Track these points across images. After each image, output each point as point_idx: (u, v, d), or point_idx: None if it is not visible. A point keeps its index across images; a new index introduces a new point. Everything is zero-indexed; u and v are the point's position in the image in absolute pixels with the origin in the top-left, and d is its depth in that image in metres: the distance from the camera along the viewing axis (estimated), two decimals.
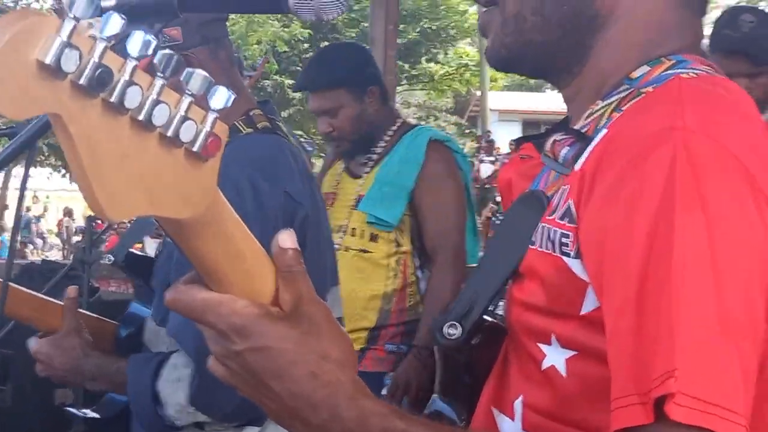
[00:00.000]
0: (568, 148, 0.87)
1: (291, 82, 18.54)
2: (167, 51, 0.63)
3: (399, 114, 2.94)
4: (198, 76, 0.64)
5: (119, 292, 4.26)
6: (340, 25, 18.33)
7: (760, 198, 0.73)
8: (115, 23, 0.58)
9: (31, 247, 22.35)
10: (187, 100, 0.64)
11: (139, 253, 2.13)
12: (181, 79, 0.64)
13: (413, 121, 3.22)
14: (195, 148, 0.65)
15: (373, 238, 2.74)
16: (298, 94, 18.44)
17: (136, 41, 0.60)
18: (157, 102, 0.61)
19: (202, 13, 1.55)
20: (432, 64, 21.11)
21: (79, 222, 21.27)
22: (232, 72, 1.72)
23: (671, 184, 0.71)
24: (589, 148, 0.83)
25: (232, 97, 0.66)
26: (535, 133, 0.98)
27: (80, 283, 2.41)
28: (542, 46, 0.92)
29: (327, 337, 0.76)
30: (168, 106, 0.62)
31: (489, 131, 23.36)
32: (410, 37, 19.37)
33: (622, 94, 0.87)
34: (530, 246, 0.86)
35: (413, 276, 2.76)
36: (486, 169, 18.31)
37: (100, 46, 0.58)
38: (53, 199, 29.36)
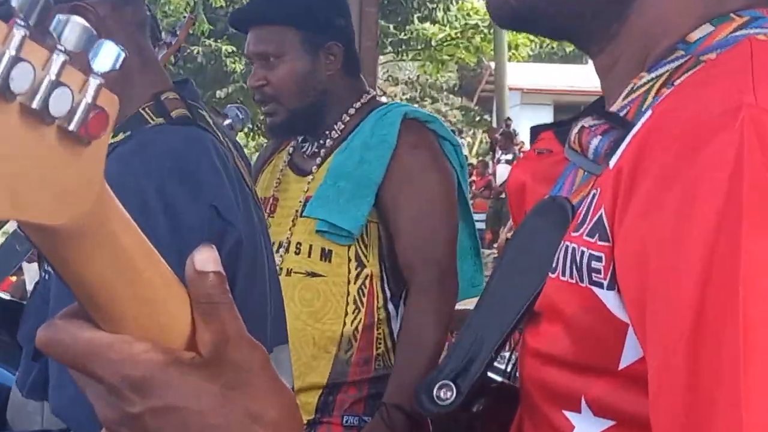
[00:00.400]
0: (601, 137, 0.87)
1: (230, 48, 18.58)
2: None
3: (366, 88, 2.92)
4: (75, 26, 0.63)
5: None
6: None
7: None
8: None
9: None
10: (59, 60, 0.62)
11: (1, 295, 2.13)
12: (51, 29, 0.63)
13: (388, 100, 3.21)
14: (72, 126, 0.64)
15: (326, 255, 2.70)
16: (238, 66, 18.50)
17: None
18: (16, 60, 0.60)
19: None
20: (427, 25, 21.16)
21: None
22: (140, 38, 1.72)
23: (737, 185, 0.70)
24: (628, 138, 0.82)
25: (123, 55, 0.66)
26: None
27: None
28: None
29: (261, 392, 0.75)
30: (32, 67, 0.61)
31: (508, 118, 23.44)
32: None
33: (676, 64, 0.87)
34: (550, 275, 0.87)
35: (383, 311, 2.72)
36: (504, 172, 18.36)
37: None
38: None
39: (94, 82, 0.65)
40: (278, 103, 2.73)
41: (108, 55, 0.65)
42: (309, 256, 2.71)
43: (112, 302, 0.72)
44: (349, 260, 2.69)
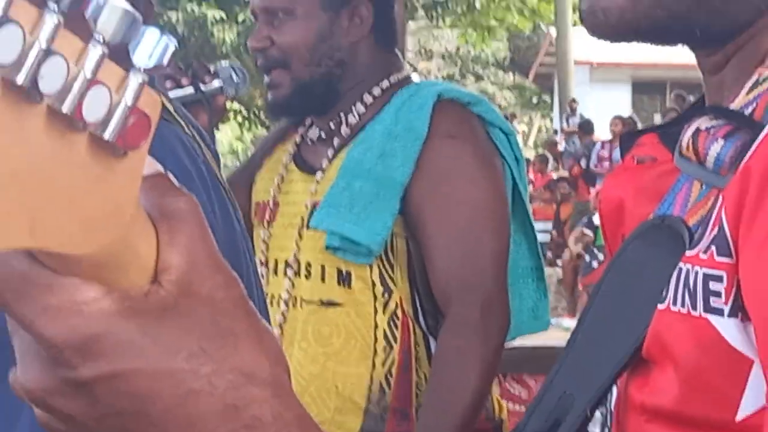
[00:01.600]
0: (724, 142, 0.89)
1: (218, 14, 18.69)
2: None
3: (401, 65, 2.90)
4: (115, 11, 0.64)
5: None
6: None
7: None
8: None
9: None
10: (96, 52, 0.64)
11: None
12: (88, 15, 0.64)
13: (421, 78, 3.18)
14: (107, 135, 0.65)
15: (344, 278, 2.67)
16: (228, 37, 18.60)
17: None
18: (47, 53, 0.61)
19: None
20: None
21: None
22: None
23: None
24: (760, 138, 0.84)
25: (171, 47, 0.68)
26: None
27: None
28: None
29: (248, 342, 0.75)
30: (64, 61, 0.62)
31: (573, 100, 23.48)
32: None
33: None
34: (658, 306, 0.88)
35: (422, 347, 2.68)
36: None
37: None
38: None
39: (135, 80, 0.65)
40: (284, 69, 2.71)
41: (152, 47, 0.68)
42: (323, 280, 2.67)
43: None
44: (373, 284, 2.65)
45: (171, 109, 1.77)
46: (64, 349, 0.69)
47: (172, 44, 0.66)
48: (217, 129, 2.92)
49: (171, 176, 0.76)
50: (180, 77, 2.52)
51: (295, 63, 2.69)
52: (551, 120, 28.52)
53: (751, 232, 0.79)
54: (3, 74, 0.60)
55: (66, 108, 0.62)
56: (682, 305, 0.85)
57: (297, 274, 2.72)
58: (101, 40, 0.63)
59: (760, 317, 0.78)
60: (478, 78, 27.68)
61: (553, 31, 25.06)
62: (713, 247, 0.83)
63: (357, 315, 2.66)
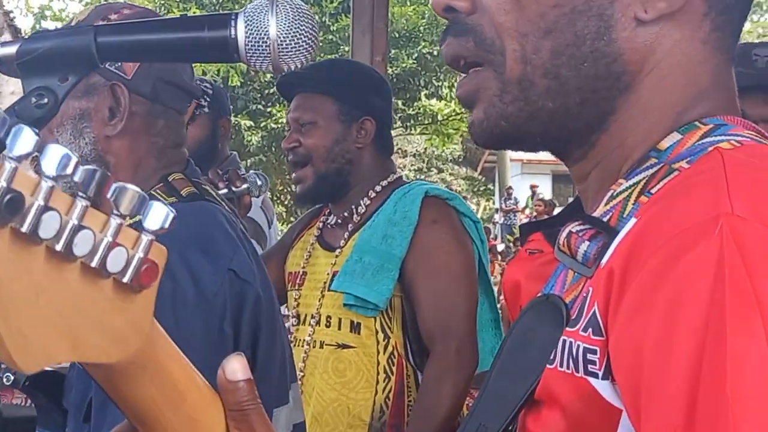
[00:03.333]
0: (589, 243, 0.88)
1: (248, 123, 18.72)
2: (89, 167, 0.66)
3: (395, 169, 2.94)
4: (129, 193, 0.68)
5: (27, 406, 4.22)
6: None
7: None
8: (27, 140, 0.62)
9: None
10: (115, 223, 0.68)
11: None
12: (109, 196, 0.67)
13: (406, 177, 3.21)
14: (126, 279, 0.69)
15: (355, 327, 2.69)
16: (254, 139, 18.60)
17: (52, 157, 0.63)
18: (78, 228, 0.65)
19: (132, 62, 1.60)
20: (434, 101, 21.30)
21: None
22: (164, 145, 1.76)
23: (720, 287, 0.72)
24: (616, 242, 0.84)
25: (171, 216, 0.71)
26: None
27: None
28: (556, 114, 0.94)
29: None
30: (92, 232, 0.66)
31: (510, 187, 23.55)
32: (405, 65, 19.57)
33: (650, 171, 0.89)
34: (548, 366, 0.87)
35: (412, 378, 2.69)
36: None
37: (9, 166, 0.61)
38: None
39: (145, 239, 0.70)
40: (309, 164, 2.75)
41: (158, 216, 0.70)
42: (339, 328, 2.70)
43: (158, 422, 0.76)
44: (377, 332, 2.67)
45: (215, 195, 1.78)
46: None
47: (173, 213, 0.71)
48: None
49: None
50: (218, 181, 2.56)
51: (316, 159, 2.73)
52: (493, 202, 28.62)
53: (616, 319, 0.79)
54: (47, 243, 0.63)
55: (94, 263, 0.66)
56: (568, 368, 0.84)
57: (318, 323, 2.72)
58: (119, 214, 0.67)
59: (624, 382, 0.78)
60: (440, 171, 27.71)
61: None
62: (590, 329, 0.82)
63: (364, 355, 2.67)
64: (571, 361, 0.84)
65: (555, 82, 0.92)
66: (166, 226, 0.70)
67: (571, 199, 1.10)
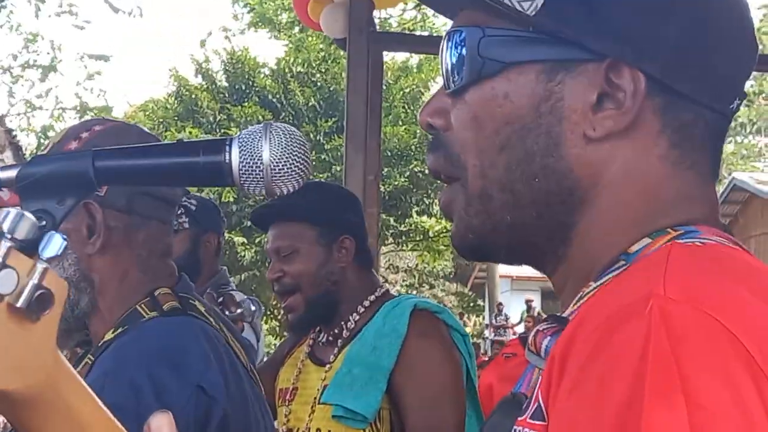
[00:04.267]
0: (550, 337, 0.90)
1: (242, 239, 18.77)
2: None
3: (379, 282, 2.94)
4: (24, 220, 0.69)
5: None
6: None
7: (760, 379, 0.72)
8: None
9: None
10: (5, 245, 0.68)
11: None
12: (1, 221, 0.69)
13: (398, 291, 3.21)
14: (19, 304, 0.69)
15: None
16: (248, 254, 18.63)
17: None
18: None
19: (130, 185, 1.61)
20: (425, 218, 21.43)
21: None
22: (148, 258, 1.76)
23: (643, 365, 0.72)
24: (561, 333, 0.86)
25: (65, 243, 0.71)
26: (558, 305, 1.02)
27: None
28: (515, 227, 0.96)
29: None
30: None
31: (500, 303, 23.50)
32: (396, 183, 19.74)
33: (617, 272, 0.90)
34: None
35: None
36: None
37: None
38: None
39: (40, 266, 0.70)
40: (297, 292, 2.74)
41: (54, 245, 0.71)
42: None
43: None
44: None
45: (203, 311, 1.77)
46: None
47: (66, 242, 0.73)
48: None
49: None
50: (213, 305, 2.57)
51: (305, 286, 2.73)
52: (484, 317, 28.50)
53: (555, 403, 0.80)
54: None
55: None
56: None
57: None
58: (10, 237, 0.68)
59: None
60: (431, 287, 27.67)
61: None
62: (534, 415, 0.84)
63: None
64: None
65: (510, 196, 0.95)
66: (60, 253, 0.71)
67: None
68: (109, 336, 1.67)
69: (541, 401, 0.83)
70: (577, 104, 0.93)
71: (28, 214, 0.70)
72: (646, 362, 0.72)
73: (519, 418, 0.87)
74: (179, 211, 3.68)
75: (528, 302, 23.03)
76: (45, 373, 0.71)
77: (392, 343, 2.65)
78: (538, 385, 0.85)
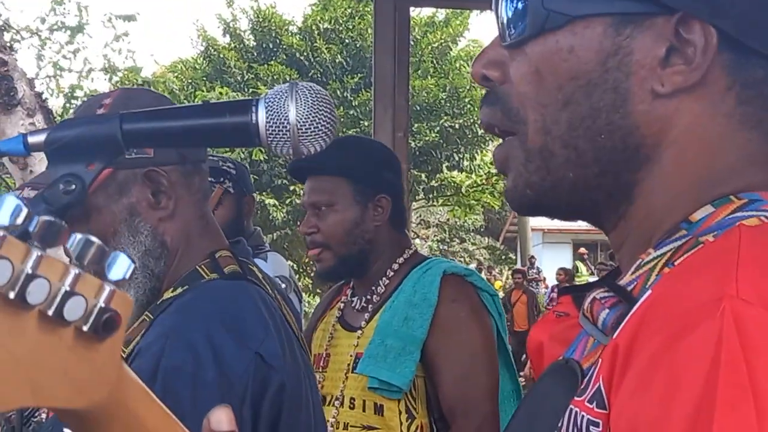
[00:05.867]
0: (609, 310, 0.87)
1: (273, 201, 18.85)
2: (45, 217, 0.68)
3: (410, 243, 2.91)
4: (89, 245, 0.70)
5: None
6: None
7: None
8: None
9: None
10: (72, 273, 0.69)
11: None
12: (68, 246, 0.69)
13: (426, 251, 3.19)
14: (86, 328, 0.70)
15: (378, 409, 2.63)
16: (279, 215, 18.71)
17: (4, 208, 0.66)
18: (32, 276, 0.66)
19: (157, 147, 1.61)
20: (455, 173, 21.42)
21: None
22: (203, 205, 1.76)
23: (714, 372, 0.70)
24: (630, 315, 0.83)
25: (132, 267, 0.72)
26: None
27: None
28: (576, 184, 0.94)
29: None
30: (47, 281, 0.67)
31: (532, 256, 23.48)
32: (427, 138, 19.71)
33: (678, 243, 0.87)
34: None
35: None
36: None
37: None
38: None
39: (108, 288, 0.71)
40: (327, 249, 2.72)
41: (121, 267, 0.72)
42: (363, 410, 2.65)
43: None
44: (400, 413, 2.62)
45: (260, 277, 1.76)
46: None
47: (134, 265, 0.72)
48: None
49: None
50: None
51: (336, 244, 2.71)
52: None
53: (618, 396, 0.78)
54: (1, 292, 0.65)
55: (51, 312, 0.68)
56: None
57: (342, 405, 2.68)
58: (77, 264, 0.69)
59: None
60: (462, 241, 27.72)
61: None
62: (594, 401, 0.82)
63: None
64: (575, 430, 0.84)
65: (573, 153, 0.93)
66: (128, 276, 0.72)
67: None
68: (168, 294, 1.66)
69: (602, 389, 0.81)
70: (645, 59, 0.90)
71: (93, 238, 0.70)
72: (717, 368, 0.70)
73: (576, 398, 0.85)
74: (221, 178, 3.68)
75: (581, 255, 22.84)
76: (109, 390, 0.73)
77: (424, 313, 2.64)
78: (598, 366, 0.83)
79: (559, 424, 0.86)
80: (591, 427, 0.81)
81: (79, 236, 0.70)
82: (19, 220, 0.66)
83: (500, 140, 1.01)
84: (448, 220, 26.22)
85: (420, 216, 25.53)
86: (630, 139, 0.91)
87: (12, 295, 0.65)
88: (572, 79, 0.92)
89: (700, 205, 0.89)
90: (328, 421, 2.69)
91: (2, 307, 0.65)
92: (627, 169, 0.93)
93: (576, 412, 0.84)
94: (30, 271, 0.66)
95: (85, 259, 0.69)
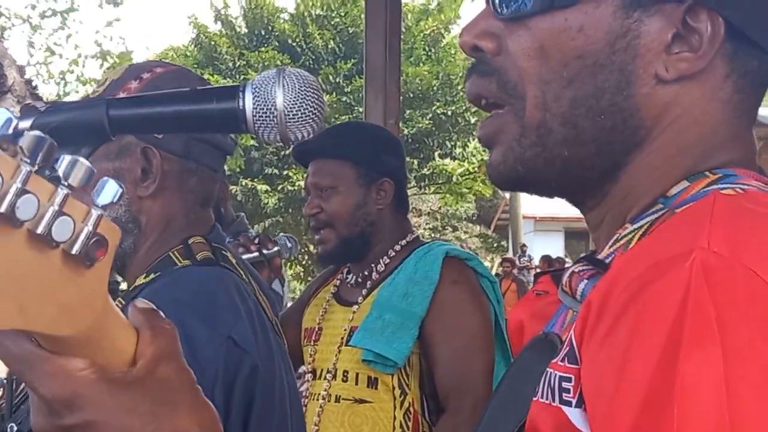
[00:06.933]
0: (587, 281, 0.89)
1: (265, 187, 18.81)
2: (37, 133, 0.68)
3: (412, 228, 2.96)
4: (80, 166, 0.69)
5: None
6: (327, 111, 18.67)
7: None
8: None
9: None
10: (62, 193, 0.68)
11: None
12: (56, 167, 0.68)
13: (421, 235, 3.20)
14: (74, 251, 0.69)
15: (372, 382, 2.68)
16: (271, 201, 18.68)
17: None
18: (22, 191, 0.65)
19: (143, 133, 1.61)
20: (447, 161, 21.38)
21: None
22: (193, 205, 1.77)
23: (681, 315, 0.71)
24: (599, 278, 0.85)
25: (120, 192, 0.72)
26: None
27: None
28: (570, 162, 0.94)
29: (185, 409, 0.79)
30: (36, 198, 0.66)
31: (523, 245, 23.50)
32: (419, 126, 19.68)
33: (655, 216, 0.89)
34: (534, 399, 0.88)
35: None
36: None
37: None
38: None
39: (95, 213, 0.71)
40: (331, 228, 2.76)
41: (109, 191, 0.72)
42: (356, 383, 2.69)
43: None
44: (393, 387, 2.66)
45: (234, 262, 1.78)
46: (54, 402, 0.76)
47: (122, 190, 0.73)
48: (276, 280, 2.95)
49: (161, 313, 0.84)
50: (249, 245, 2.56)
51: (339, 225, 2.75)
52: None
53: (589, 349, 0.79)
54: None
55: (40, 230, 0.67)
56: (545, 398, 0.84)
57: (334, 378, 2.72)
58: (66, 185, 0.68)
59: (589, 410, 0.78)
60: (455, 229, 27.71)
61: (507, 195, 25.21)
62: (566, 358, 0.83)
63: (381, 410, 2.66)
64: (549, 390, 0.84)
65: (572, 131, 0.93)
66: (116, 200, 0.72)
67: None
68: (141, 281, 1.68)
69: (574, 344, 0.82)
70: (652, 43, 0.91)
71: (82, 160, 0.69)
72: (684, 312, 0.71)
73: (552, 361, 0.86)
74: None
75: (522, 248, 22.90)
76: (94, 317, 0.73)
77: (425, 291, 2.68)
78: (573, 329, 0.84)
79: (537, 389, 0.87)
80: (563, 383, 0.82)
81: (68, 156, 0.69)
82: (9, 131, 0.65)
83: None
84: (439, 208, 26.22)
85: (412, 204, 25.51)
86: (630, 120, 0.92)
87: (2, 209, 0.64)
88: (579, 57, 0.92)
89: (677, 181, 0.92)
90: (318, 393, 2.75)
91: None
92: (622, 151, 0.94)
93: (550, 372, 0.85)
94: (20, 185, 0.65)
95: (74, 180, 0.68)
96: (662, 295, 0.73)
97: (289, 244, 2.84)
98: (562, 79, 0.93)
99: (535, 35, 0.94)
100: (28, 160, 0.66)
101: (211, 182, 1.81)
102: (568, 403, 0.81)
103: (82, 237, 0.69)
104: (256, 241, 2.64)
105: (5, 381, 2.23)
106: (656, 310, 0.73)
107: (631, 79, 0.92)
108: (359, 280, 2.82)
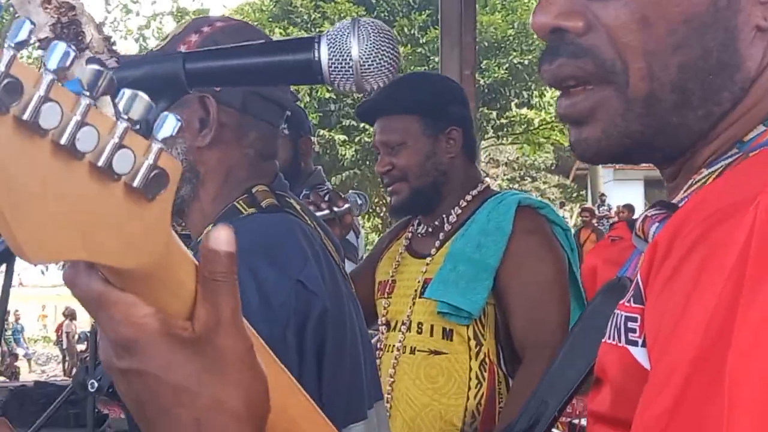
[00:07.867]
0: (659, 224, 0.88)
1: (342, 137, 18.87)
2: (96, 66, 0.68)
3: (482, 177, 2.94)
4: (140, 101, 0.68)
5: None
6: (403, 63, 18.61)
7: None
8: (25, 30, 0.63)
9: (24, 360, 22.80)
10: (122, 126, 0.67)
11: None
12: (117, 101, 0.68)
13: (499, 186, 3.19)
14: (136, 183, 0.68)
15: (447, 334, 2.68)
16: (349, 153, 18.73)
17: (56, 54, 0.64)
18: (81, 124, 0.65)
19: (220, 87, 1.62)
20: (525, 110, 21.22)
21: (84, 326, 21.62)
22: (253, 158, 1.78)
23: (744, 257, 0.71)
24: (668, 219, 0.84)
25: (179, 124, 0.71)
26: (662, 194, 0.99)
27: (83, 409, 2.44)
28: (679, 129, 0.93)
29: (232, 381, 0.78)
30: (96, 130, 0.66)
31: (602, 194, 23.28)
32: (495, 76, 19.53)
33: (729, 160, 0.89)
34: (603, 341, 0.88)
35: (503, 385, 2.67)
36: None
37: (7, 54, 0.62)
38: (51, 298, 30.11)
39: (155, 147, 0.69)
40: (401, 182, 2.77)
41: (169, 125, 0.70)
42: (431, 335, 2.70)
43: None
44: (469, 339, 2.67)
45: (299, 209, 1.79)
46: (116, 343, 0.77)
47: (180, 123, 0.71)
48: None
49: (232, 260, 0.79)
50: (320, 202, 2.58)
51: (412, 178, 2.76)
52: None
53: (653, 289, 0.79)
54: (52, 138, 0.64)
55: (101, 163, 0.66)
56: (612, 339, 0.85)
57: (409, 330, 2.74)
58: (126, 118, 0.67)
59: (650, 348, 0.78)
60: (533, 179, 27.55)
61: None
62: (632, 298, 0.83)
63: (456, 361, 2.67)
64: (615, 331, 0.85)
65: (681, 96, 0.91)
66: (175, 133, 0.70)
67: None
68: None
69: (640, 284, 0.82)
70: None
71: (142, 95, 0.68)
72: (747, 253, 0.70)
73: (620, 302, 0.86)
74: None
75: (601, 197, 22.63)
76: (158, 251, 0.72)
77: (498, 241, 2.67)
78: (639, 269, 0.84)
79: (606, 331, 0.88)
80: (629, 323, 0.83)
81: (128, 90, 0.68)
82: (67, 64, 0.64)
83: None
84: (517, 158, 26.07)
85: (489, 155, 25.40)
86: (737, 75, 0.91)
87: (63, 140, 0.64)
88: (685, 22, 0.90)
89: (754, 127, 0.91)
90: (393, 345, 2.77)
91: (54, 153, 0.64)
92: (727, 109, 0.92)
93: (617, 313, 0.86)
94: (79, 118, 0.65)
95: (134, 113, 0.68)
96: (726, 238, 0.73)
97: (360, 201, 2.86)
98: (668, 47, 0.90)
99: (636, 6, 0.91)
100: (87, 93, 0.66)
101: (272, 137, 1.81)
102: (634, 343, 0.81)
103: (143, 170, 0.68)
104: (327, 198, 2.66)
105: (89, 334, 2.28)
106: (720, 252, 0.73)
107: (734, 34, 0.90)
108: (430, 230, 2.82)
